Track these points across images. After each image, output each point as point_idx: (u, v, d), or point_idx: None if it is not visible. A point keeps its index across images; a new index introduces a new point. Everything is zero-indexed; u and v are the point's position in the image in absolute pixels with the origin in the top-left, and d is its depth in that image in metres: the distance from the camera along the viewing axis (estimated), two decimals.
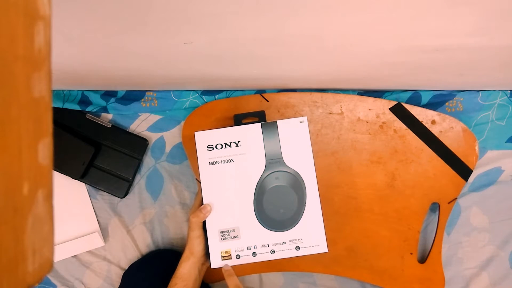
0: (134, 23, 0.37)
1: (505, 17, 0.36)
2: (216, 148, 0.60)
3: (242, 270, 0.68)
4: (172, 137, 0.75)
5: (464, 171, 0.67)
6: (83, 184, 0.74)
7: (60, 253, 0.73)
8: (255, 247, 0.59)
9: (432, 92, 0.71)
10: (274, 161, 0.60)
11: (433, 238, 0.68)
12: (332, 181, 0.68)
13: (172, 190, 0.74)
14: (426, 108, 0.68)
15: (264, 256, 0.59)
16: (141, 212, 0.74)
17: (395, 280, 0.67)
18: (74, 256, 0.74)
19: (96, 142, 0.73)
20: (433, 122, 0.67)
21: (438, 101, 0.71)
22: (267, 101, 0.69)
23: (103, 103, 0.73)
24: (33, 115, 0.18)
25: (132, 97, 0.74)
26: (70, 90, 0.73)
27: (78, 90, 0.73)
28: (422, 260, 0.68)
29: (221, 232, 0.59)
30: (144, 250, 0.75)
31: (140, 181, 0.75)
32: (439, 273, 0.67)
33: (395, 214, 0.68)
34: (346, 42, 0.44)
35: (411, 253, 0.67)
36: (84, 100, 0.73)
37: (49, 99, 0.19)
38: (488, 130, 0.71)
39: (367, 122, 0.68)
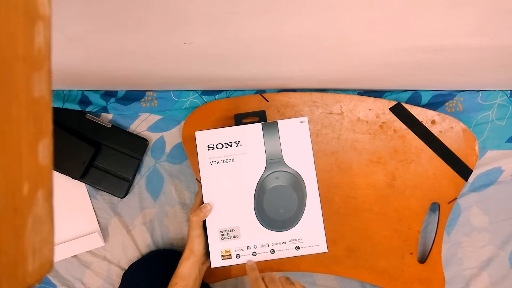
0: (134, 23, 0.37)
1: (505, 17, 0.36)
2: (217, 148, 0.60)
3: (242, 270, 0.68)
4: (172, 137, 0.75)
5: (464, 171, 0.67)
6: (83, 184, 0.74)
7: (60, 253, 0.73)
8: (255, 246, 0.59)
9: (432, 92, 0.71)
10: (274, 161, 0.60)
11: (433, 238, 0.68)
12: (332, 181, 0.68)
13: (172, 190, 0.74)
14: (426, 108, 0.68)
15: (264, 255, 0.59)
16: (141, 212, 0.74)
17: (395, 280, 0.67)
18: (74, 256, 0.74)
19: (96, 142, 0.73)
20: (433, 122, 0.67)
21: (438, 101, 0.71)
22: (267, 101, 0.69)
23: (103, 103, 0.73)
24: (33, 115, 0.18)
25: (132, 97, 0.74)
26: (70, 90, 0.73)
27: (78, 90, 0.73)
28: (422, 260, 0.68)
29: (221, 232, 0.59)
30: (144, 250, 0.75)
31: (140, 181, 0.75)
32: (439, 273, 0.67)
33: (395, 214, 0.68)
34: (346, 42, 0.44)
35: (411, 253, 0.67)
36: (84, 100, 0.73)
37: (49, 99, 0.19)
38: (488, 130, 0.71)
39: (367, 122, 0.68)
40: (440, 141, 0.67)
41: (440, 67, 0.55)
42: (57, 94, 0.73)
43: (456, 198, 0.67)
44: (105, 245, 0.74)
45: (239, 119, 0.64)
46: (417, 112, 0.68)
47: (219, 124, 0.69)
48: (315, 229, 0.60)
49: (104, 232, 0.75)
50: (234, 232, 0.59)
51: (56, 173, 0.72)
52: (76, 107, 0.72)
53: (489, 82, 0.67)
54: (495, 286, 0.70)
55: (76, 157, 0.71)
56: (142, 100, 0.73)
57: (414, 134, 0.68)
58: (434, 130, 0.67)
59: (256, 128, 0.60)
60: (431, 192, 0.68)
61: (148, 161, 0.75)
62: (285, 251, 0.60)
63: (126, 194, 0.74)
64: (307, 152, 0.60)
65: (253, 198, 0.60)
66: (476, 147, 0.67)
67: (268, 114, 0.68)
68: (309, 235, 0.60)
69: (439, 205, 0.68)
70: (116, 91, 0.74)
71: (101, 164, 0.73)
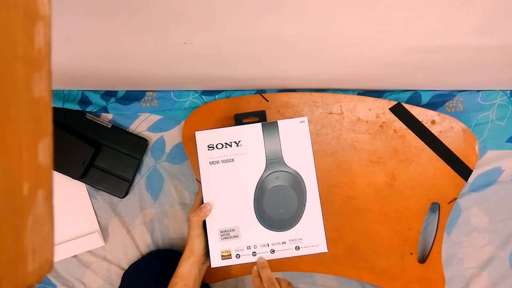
0: (134, 23, 0.37)
1: (505, 17, 0.36)
2: (217, 148, 0.60)
3: (242, 270, 0.68)
4: (172, 137, 0.75)
5: (464, 171, 0.67)
6: (83, 184, 0.74)
7: (60, 253, 0.73)
8: (255, 246, 0.59)
9: (432, 92, 0.71)
10: (274, 161, 0.60)
11: (433, 238, 0.68)
12: (332, 181, 0.68)
13: (172, 190, 0.74)
14: (426, 108, 0.68)
15: (264, 255, 0.59)
16: (141, 212, 0.74)
17: (395, 280, 0.67)
18: (74, 256, 0.74)
19: (96, 142, 0.73)
20: (433, 122, 0.67)
21: (438, 101, 0.71)
22: (267, 101, 0.69)
23: (103, 103, 0.73)
24: (33, 115, 0.18)
25: (132, 97, 0.74)
26: (70, 90, 0.73)
27: (78, 90, 0.73)
28: (422, 260, 0.68)
29: (221, 232, 0.59)
30: (144, 250, 0.75)
31: (140, 181, 0.75)
32: (439, 273, 0.67)
33: (395, 214, 0.68)
34: (346, 42, 0.44)
35: (411, 253, 0.67)
36: (84, 100, 0.73)
37: (49, 99, 0.19)
38: (488, 130, 0.71)
39: (367, 122, 0.68)
40: (440, 141, 0.67)
41: (440, 67, 0.55)
42: (57, 94, 0.73)
43: (456, 198, 0.67)
44: (105, 245, 0.74)
45: (239, 119, 0.64)
46: (417, 112, 0.68)
47: (219, 124, 0.69)
48: (315, 229, 0.60)
49: (104, 232, 0.75)
50: (234, 232, 0.59)
51: (56, 173, 0.72)
52: (76, 107, 0.72)
53: (489, 82, 0.67)
54: (495, 286, 0.70)
55: (76, 157, 0.71)
56: (142, 100, 0.74)
57: (414, 134, 0.68)
58: (434, 130, 0.67)
59: (256, 128, 0.60)
60: (431, 192, 0.68)
61: (148, 161, 0.75)
62: (285, 251, 0.60)
63: (126, 194, 0.74)
64: (307, 152, 0.60)
65: (253, 198, 0.60)
66: (476, 147, 0.67)
67: (268, 114, 0.68)
68: (309, 235, 0.60)
69: (439, 205, 0.68)
70: (116, 91, 0.74)
71: (101, 164, 0.73)
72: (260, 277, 0.56)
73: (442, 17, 0.36)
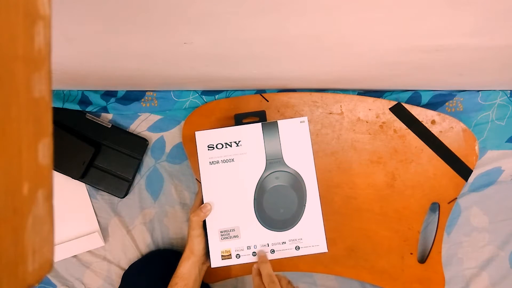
0: (134, 23, 0.37)
1: (505, 17, 0.36)
2: (217, 148, 0.60)
3: (242, 270, 0.68)
4: (172, 137, 0.75)
5: (464, 171, 0.67)
6: (83, 184, 0.74)
7: (60, 253, 0.73)
8: (255, 246, 0.59)
9: (432, 92, 0.71)
10: (274, 161, 0.60)
11: (433, 238, 0.68)
12: (332, 181, 0.68)
13: (172, 190, 0.74)
14: (426, 108, 0.68)
15: None
16: (141, 212, 0.74)
17: (395, 280, 0.67)
18: (74, 256, 0.74)
19: (96, 142, 0.73)
20: (433, 122, 0.67)
21: (438, 101, 0.71)
22: (267, 101, 0.69)
23: (103, 103, 0.73)
24: (33, 115, 0.18)
25: (132, 97, 0.74)
26: (70, 90, 0.73)
27: (78, 90, 0.73)
28: (422, 260, 0.68)
29: (221, 232, 0.59)
30: (144, 250, 0.75)
31: (140, 181, 0.75)
32: (439, 273, 0.67)
33: (395, 214, 0.68)
34: (346, 42, 0.44)
35: (411, 253, 0.67)
36: (84, 100, 0.73)
37: (49, 99, 0.19)
38: (488, 130, 0.71)
39: (367, 122, 0.68)
40: (440, 141, 0.67)
41: (440, 67, 0.55)
42: (57, 94, 0.73)
43: (456, 198, 0.67)
44: (105, 245, 0.74)
45: (239, 119, 0.65)
46: (417, 112, 0.68)
47: (219, 124, 0.69)
48: (315, 229, 0.60)
49: (104, 232, 0.75)
50: (234, 232, 0.59)
51: (56, 173, 0.72)
52: (76, 107, 0.72)
53: (489, 82, 0.67)
54: (495, 286, 0.70)
55: (76, 157, 0.71)
56: (142, 100, 0.74)
57: (414, 134, 0.68)
58: (434, 130, 0.67)
59: (256, 128, 0.60)
60: (431, 192, 0.68)
61: (148, 161, 0.75)
62: (285, 251, 0.60)
63: (126, 194, 0.74)
64: (307, 152, 0.60)
65: (253, 198, 0.60)
66: (476, 147, 0.67)
67: (268, 114, 0.68)
68: (309, 235, 0.60)
69: (439, 205, 0.68)
70: (116, 91, 0.74)
71: (101, 164, 0.73)
72: (260, 275, 0.55)
73: (442, 17, 0.36)
